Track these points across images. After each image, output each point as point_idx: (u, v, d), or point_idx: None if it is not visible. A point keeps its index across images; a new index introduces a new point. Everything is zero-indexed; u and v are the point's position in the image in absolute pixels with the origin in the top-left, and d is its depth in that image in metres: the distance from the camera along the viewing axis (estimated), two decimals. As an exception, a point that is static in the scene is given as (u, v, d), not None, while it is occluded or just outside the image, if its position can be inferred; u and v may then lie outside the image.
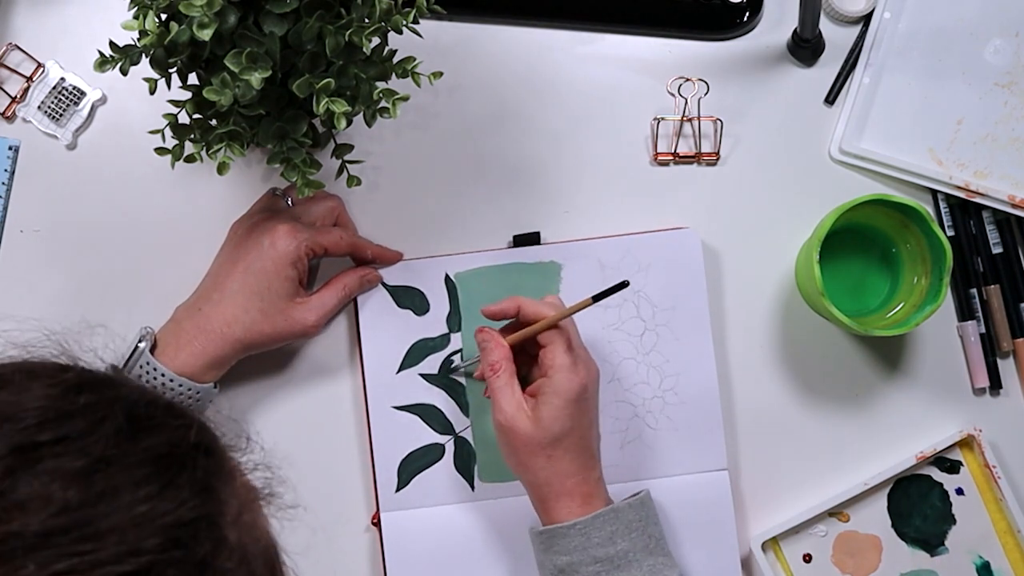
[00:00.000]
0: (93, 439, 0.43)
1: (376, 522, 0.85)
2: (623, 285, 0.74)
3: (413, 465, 0.85)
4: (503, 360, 0.77)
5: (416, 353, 0.86)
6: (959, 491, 0.87)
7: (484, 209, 0.88)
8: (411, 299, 0.86)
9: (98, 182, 0.88)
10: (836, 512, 0.86)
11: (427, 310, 0.86)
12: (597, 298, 0.75)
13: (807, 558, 0.86)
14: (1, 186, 0.87)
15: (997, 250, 0.88)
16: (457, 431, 0.85)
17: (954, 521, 0.86)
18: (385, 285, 0.86)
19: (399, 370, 0.86)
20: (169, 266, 0.87)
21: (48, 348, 0.52)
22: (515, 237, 0.87)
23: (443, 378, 0.86)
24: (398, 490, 0.85)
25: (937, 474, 0.87)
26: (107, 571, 0.40)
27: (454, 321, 0.86)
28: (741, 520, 0.86)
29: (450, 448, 0.85)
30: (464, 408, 0.86)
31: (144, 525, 0.42)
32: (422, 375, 0.86)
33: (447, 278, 0.86)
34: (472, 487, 0.85)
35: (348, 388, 0.87)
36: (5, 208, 0.87)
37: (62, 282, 0.88)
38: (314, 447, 0.86)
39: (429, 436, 0.85)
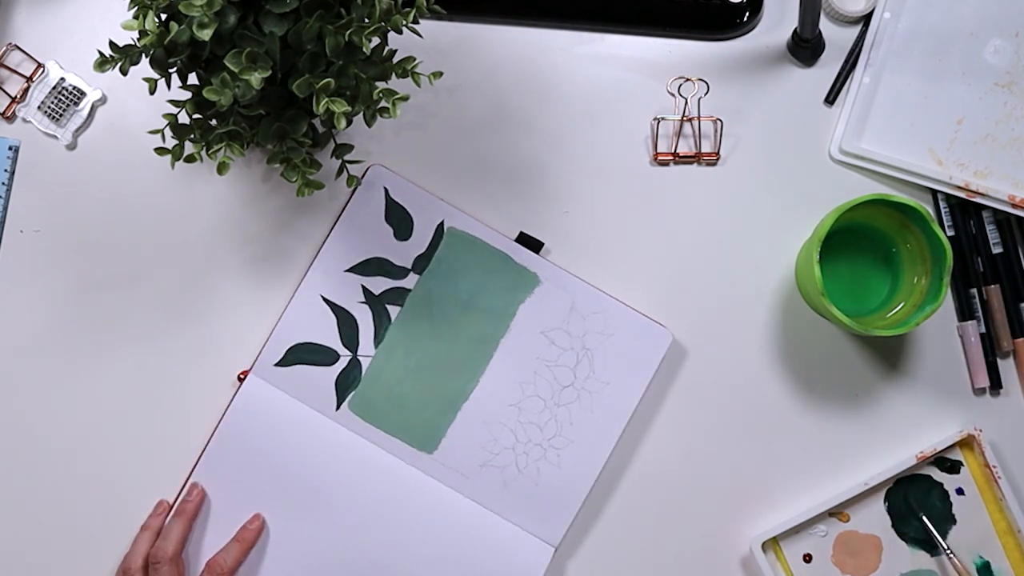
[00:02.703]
0: None
1: (241, 379, 0.85)
2: None
3: (303, 354, 0.85)
4: None
5: (372, 266, 0.86)
6: (959, 491, 0.87)
7: (484, 209, 0.88)
8: (400, 220, 0.86)
9: (98, 182, 0.88)
10: (836, 512, 0.86)
11: (406, 239, 0.86)
12: None
13: (807, 558, 0.86)
14: (1, 186, 0.87)
15: (997, 250, 0.88)
16: (358, 352, 0.86)
17: (954, 521, 0.86)
18: (388, 195, 0.86)
19: (348, 269, 0.86)
20: (169, 266, 0.87)
21: None
22: (522, 233, 0.87)
23: (379, 303, 0.86)
24: (277, 364, 0.85)
25: (937, 474, 0.87)
26: None
27: (421, 264, 0.86)
28: (741, 520, 0.86)
29: (342, 363, 0.85)
30: (378, 339, 0.86)
31: None
32: (364, 287, 0.86)
33: (440, 224, 0.86)
34: (337, 407, 0.85)
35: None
36: (5, 208, 0.87)
37: (62, 282, 0.88)
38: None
39: (333, 341, 0.86)
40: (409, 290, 0.86)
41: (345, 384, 0.85)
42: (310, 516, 0.84)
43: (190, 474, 0.84)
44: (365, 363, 0.86)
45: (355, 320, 0.86)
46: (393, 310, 0.86)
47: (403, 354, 0.86)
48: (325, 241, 0.86)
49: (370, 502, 0.84)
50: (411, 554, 0.84)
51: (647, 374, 0.85)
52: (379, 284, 0.86)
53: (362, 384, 0.85)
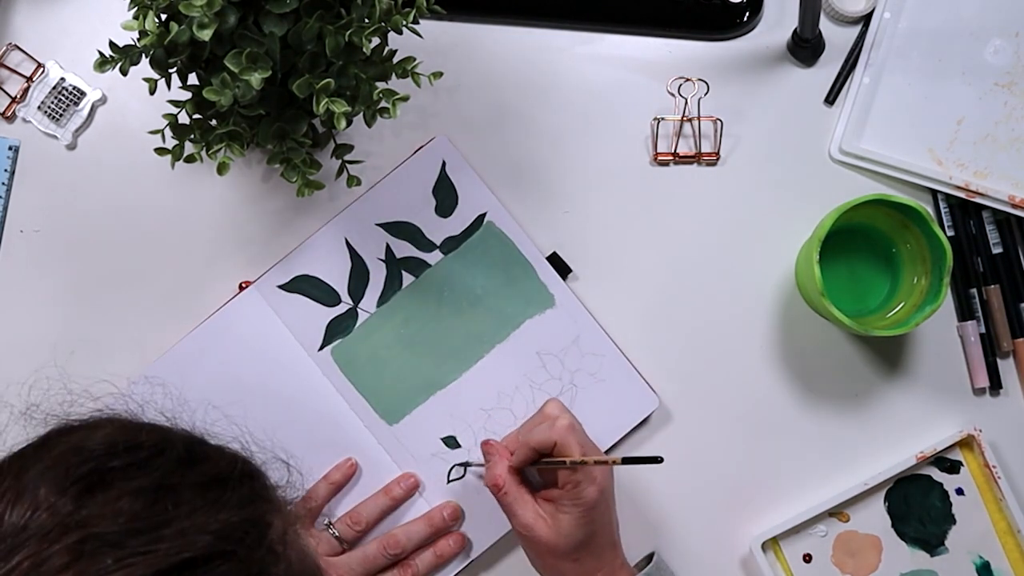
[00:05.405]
0: (157, 464, 0.53)
1: (243, 288, 0.86)
2: (656, 460, 0.71)
3: (307, 286, 0.86)
4: (505, 477, 0.78)
5: (403, 229, 0.86)
6: (959, 491, 0.87)
7: (484, 209, 0.88)
8: (445, 196, 0.86)
9: (98, 182, 0.88)
10: (836, 512, 0.86)
11: (446, 216, 0.86)
12: (627, 461, 0.72)
13: (807, 558, 0.86)
14: (1, 186, 0.87)
15: (997, 250, 0.88)
16: (359, 305, 0.86)
17: (954, 521, 0.86)
18: (444, 168, 0.86)
19: (379, 224, 0.86)
20: (169, 266, 0.87)
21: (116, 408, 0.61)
22: (555, 254, 0.87)
23: (396, 266, 0.86)
24: (280, 287, 0.85)
25: (937, 474, 0.87)
26: (166, 560, 0.49)
27: (449, 245, 0.86)
28: (741, 520, 0.86)
29: (340, 309, 0.86)
30: (383, 299, 0.86)
31: (198, 529, 0.50)
32: (388, 246, 0.86)
33: (482, 215, 0.86)
34: (319, 348, 0.86)
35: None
36: (5, 208, 0.87)
37: (62, 282, 0.88)
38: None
39: (340, 285, 0.86)
40: (430, 265, 0.86)
41: (336, 330, 0.86)
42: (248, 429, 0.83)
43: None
44: (362, 317, 0.86)
45: (368, 273, 0.86)
46: (407, 278, 0.86)
47: (400, 323, 0.86)
48: (368, 191, 0.86)
49: (312, 442, 0.84)
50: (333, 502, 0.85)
51: (619, 432, 0.85)
52: (403, 248, 0.86)
53: (351, 336, 0.86)
